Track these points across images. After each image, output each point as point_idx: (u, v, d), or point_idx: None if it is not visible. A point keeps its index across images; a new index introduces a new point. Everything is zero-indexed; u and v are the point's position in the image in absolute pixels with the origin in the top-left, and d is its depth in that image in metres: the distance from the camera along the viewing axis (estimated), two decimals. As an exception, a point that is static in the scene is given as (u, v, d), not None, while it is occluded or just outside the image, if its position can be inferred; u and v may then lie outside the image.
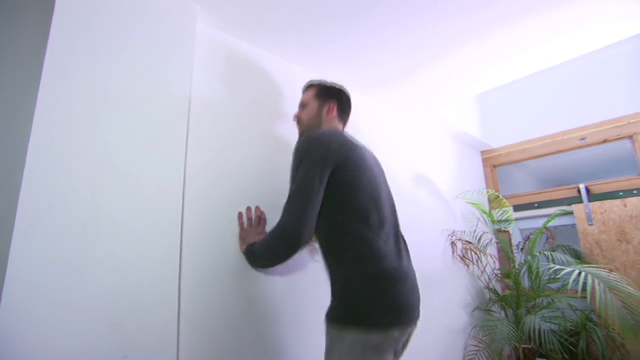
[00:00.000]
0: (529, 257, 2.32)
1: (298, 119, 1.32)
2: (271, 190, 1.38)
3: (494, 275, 2.58)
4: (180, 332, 1.01)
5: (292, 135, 1.50)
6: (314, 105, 1.28)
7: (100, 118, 0.97)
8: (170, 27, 1.17)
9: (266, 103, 1.48)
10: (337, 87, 1.32)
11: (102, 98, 0.98)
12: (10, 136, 0.96)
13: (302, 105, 1.31)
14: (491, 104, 3.02)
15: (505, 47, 1.78)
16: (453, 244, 2.40)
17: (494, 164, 3.06)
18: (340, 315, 0.94)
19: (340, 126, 1.30)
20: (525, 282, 2.40)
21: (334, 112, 1.27)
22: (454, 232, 2.43)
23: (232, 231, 1.23)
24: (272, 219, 1.30)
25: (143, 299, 0.93)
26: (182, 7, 1.21)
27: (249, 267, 1.22)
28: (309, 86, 1.34)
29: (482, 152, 3.11)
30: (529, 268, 2.33)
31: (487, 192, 2.75)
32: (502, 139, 2.97)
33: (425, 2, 1.34)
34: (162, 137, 1.07)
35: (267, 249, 1.07)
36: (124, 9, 1.08)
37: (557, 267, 1.98)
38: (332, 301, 0.99)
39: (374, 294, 0.93)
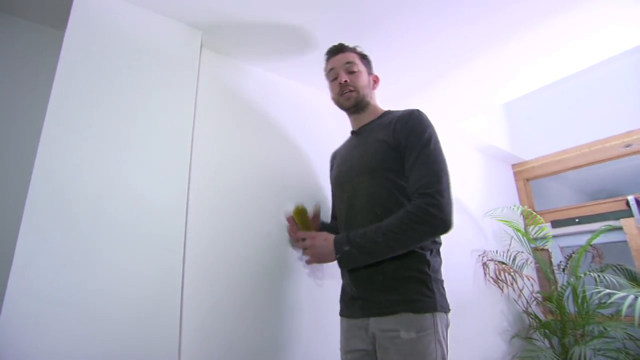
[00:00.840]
0: (572, 279, 2.09)
1: (350, 85, 1.09)
2: (276, 209, 1.33)
3: (532, 298, 2.35)
4: (182, 339, 1.00)
5: (293, 155, 1.46)
6: (365, 71, 1.13)
7: (105, 137, 0.97)
8: (175, 53, 1.18)
9: (270, 123, 1.46)
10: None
11: (107, 119, 0.99)
12: (18, 151, 0.99)
13: (350, 70, 1.10)
14: (519, 114, 2.85)
15: (531, 51, 1.67)
16: (485, 265, 2.22)
17: (527, 178, 2.85)
18: (435, 302, 0.90)
19: None
20: (570, 307, 2.16)
21: (377, 87, 1.17)
22: (485, 252, 2.25)
23: (235, 240, 1.20)
24: (274, 231, 1.25)
25: (146, 306, 0.93)
26: (187, 35, 1.23)
27: (252, 274, 1.18)
28: (344, 48, 1.13)
29: (513, 166, 2.92)
30: (574, 291, 2.09)
31: (520, 208, 2.55)
32: (534, 151, 2.77)
33: (437, 8, 1.28)
34: (166, 154, 1.07)
35: (405, 235, 0.87)
36: (130, 36, 1.10)
37: (608, 290, 1.76)
38: (415, 286, 0.90)
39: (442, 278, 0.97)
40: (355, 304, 0.98)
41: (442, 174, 0.91)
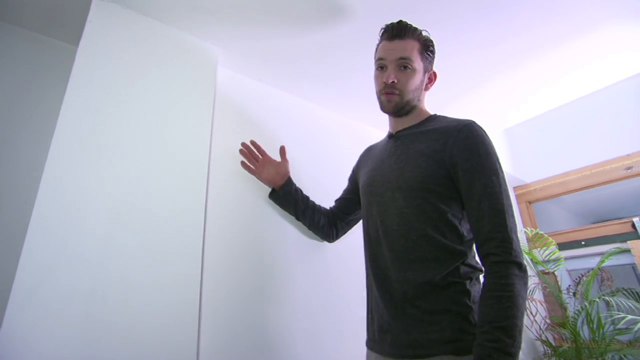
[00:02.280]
0: (585, 304, 2.04)
1: (395, 87, 0.91)
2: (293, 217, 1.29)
3: (545, 325, 2.28)
4: (200, 348, 0.93)
5: (308, 169, 1.41)
6: (420, 70, 0.93)
7: (119, 157, 0.91)
8: (192, 69, 1.15)
9: (285, 140, 1.43)
10: (433, 41, 0.96)
11: (123, 139, 0.94)
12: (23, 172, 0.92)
13: (403, 65, 0.90)
14: (519, 137, 2.89)
15: (534, 79, 1.71)
16: (495, 289, 2.15)
17: (529, 200, 2.85)
18: (468, 343, 0.74)
19: None
20: (585, 333, 2.09)
21: (432, 85, 0.99)
22: (495, 276, 2.19)
23: (254, 248, 1.14)
24: (292, 239, 1.18)
25: (163, 316, 0.86)
26: (204, 51, 1.20)
27: (271, 282, 1.15)
28: (405, 33, 0.91)
29: (515, 188, 2.93)
30: (587, 316, 2.04)
31: (526, 230, 2.53)
32: (535, 173, 2.79)
33: (440, 37, 1.29)
34: (184, 165, 1.02)
35: (521, 302, 0.72)
36: (146, 50, 1.07)
37: (621, 315, 1.71)
38: (455, 322, 0.76)
39: None
40: (385, 338, 0.85)
41: (508, 215, 0.77)
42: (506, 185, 0.81)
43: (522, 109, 2.10)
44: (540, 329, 2.23)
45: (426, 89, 0.97)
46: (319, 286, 1.28)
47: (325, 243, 1.34)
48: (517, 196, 2.90)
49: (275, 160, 1.24)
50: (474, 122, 0.86)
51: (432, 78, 0.98)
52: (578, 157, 2.56)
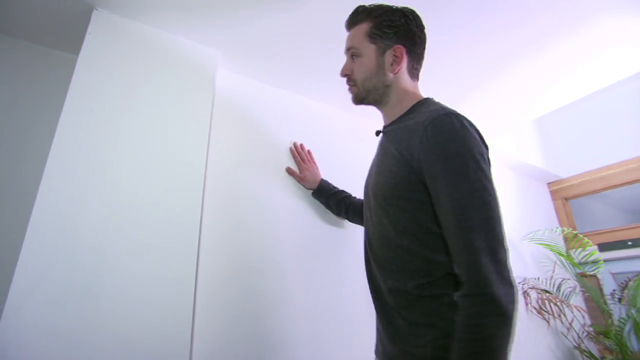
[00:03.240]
0: (632, 311, 1.84)
1: (350, 79, 0.88)
2: (290, 217, 1.26)
3: (584, 333, 2.08)
4: (194, 345, 0.92)
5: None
6: (371, 52, 0.83)
7: (117, 161, 0.93)
8: (191, 73, 1.15)
9: (285, 140, 1.41)
10: (398, 11, 0.82)
11: (121, 140, 0.96)
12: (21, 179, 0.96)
13: (351, 55, 0.86)
14: (552, 129, 2.67)
15: (565, 62, 1.56)
16: (525, 293, 2.00)
17: (566, 197, 2.63)
18: None
19: (418, 86, 0.88)
20: (634, 344, 1.88)
21: (403, 63, 0.82)
22: (525, 279, 2.04)
23: (249, 248, 1.10)
24: (288, 239, 1.15)
25: (157, 312, 0.87)
26: (204, 55, 1.21)
27: (266, 280, 1.13)
28: (350, 23, 0.87)
29: (549, 184, 2.72)
30: (635, 325, 1.84)
31: (561, 230, 2.33)
32: (572, 168, 2.57)
33: (461, 21, 1.21)
34: (181, 167, 1.02)
35: (497, 344, 0.59)
36: (145, 57, 1.09)
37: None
38: (437, 339, 0.67)
39: None
40: (380, 347, 0.81)
41: (482, 231, 0.62)
42: (485, 192, 0.65)
43: (551, 97, 1.93)
44: (579, 337, 2.04)
45: (394, 70, 0.82)
46: (318, 290, 1.24)
47: (324, 245, 1.32)
48: (551, 192, 2.68)
49: (312, 165, 1.36)
50: (444, 115, 0.69)
51: (398, 55, 0.81)
52: (620, 148, 2.33)
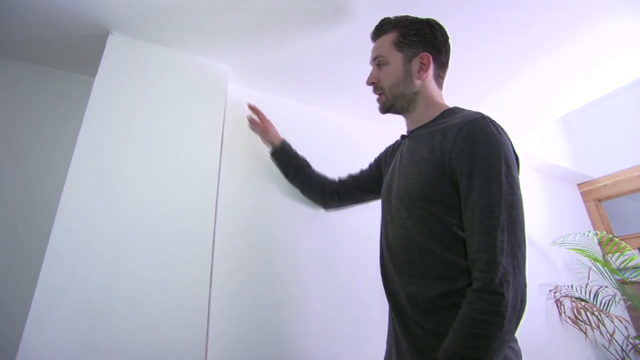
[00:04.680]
0: (680, 321, 1.68)
1: (377, 88, 0.89)
2: (304, 226, 1.26)
3: (629, 345, 1.93)
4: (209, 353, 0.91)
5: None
6: (398, 61, 0.85)
7: (133, 177, 0.96)
8: (202, 90, 1.18)
9: (304, 152, 1.41)
10: (424, 21, 0.86)
11: (137, 156, 0.99)
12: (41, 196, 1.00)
13: (378, 63, 0.88)
14: (579, 128, 2.54)
15: (589, 57, 1.48)
16: (558, 302, 1.88)
17: (599, 198, 2.48)
18: None
19: (443, 96, 0.89)
20: (683, 358, 1.72)
21: (430, 70, 0.84)
22: (557, 287, 1.92)
23: (262, 255, 1.10)
24: (300, 247, 1.13)
25: (173, 319, 0.88)
26: (215, 71, 1.23)
27: (279, 288, 1.13)
28: (376, 34, 0.90)
29: (580, 185, 2.57)
30: (685, 336, 1.68)
31: (595, 233, 2.19)
32: (603, 167, 2.43)
33: (478, 16, 1.17)
34: (191, 191, 1.03)
35: (496, 345, 0.59)
36: (159, 76, 1.12)
37: None
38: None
39: None
40: (395, 354, 0.78)
41: (505, 232, 0.63)
42: (514, 196, 0.66)
43: (576, 94, 1.83)
44: (623, 350, 1.89)
45: (421, 77, 0.84)
46: (334, 294, 1.22)
47: (342, 253, 1.29)
48: (582, 194, 2.54)
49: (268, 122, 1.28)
50: (480, 118, 0.71)
51: (425, 62, 0.84)
52: (657, 144, 2.17)
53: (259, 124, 1.25)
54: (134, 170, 0.97)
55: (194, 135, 1.10)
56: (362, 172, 1.18)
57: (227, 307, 1.03)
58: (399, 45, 0.85)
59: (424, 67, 0.84)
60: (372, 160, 1.15)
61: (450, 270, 0.69)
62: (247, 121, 1.30)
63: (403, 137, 0.94)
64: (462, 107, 0.84)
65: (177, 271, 0.92)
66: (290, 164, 1.21)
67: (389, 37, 0.87)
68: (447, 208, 0.71)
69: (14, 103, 1.15)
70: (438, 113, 0.84)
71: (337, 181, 1.21)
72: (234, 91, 1.34)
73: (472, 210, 0.66)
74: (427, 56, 0.84)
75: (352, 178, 1.19)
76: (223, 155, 1.17)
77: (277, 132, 1.26)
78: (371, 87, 0.92)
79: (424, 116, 0.85)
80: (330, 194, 1.20)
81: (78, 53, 1.15)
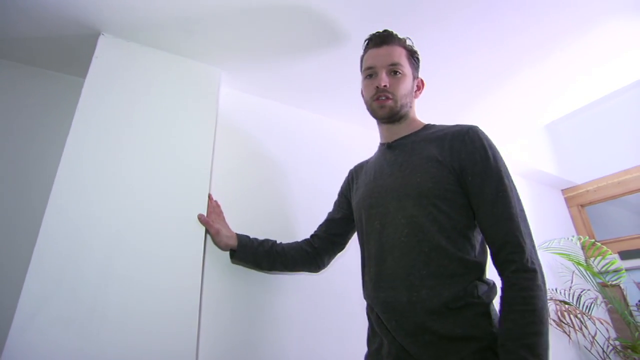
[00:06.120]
0: (658, 323, 1.74)
1: (388, 91, 0.88)
2: (293, 234, 1.23)
3: (609, 347, 1.98)
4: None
5: (313, 186, 1.38)
6: (410, 75, 0.91)
7: (123, 179, 0.95)
8: (194, 92, 1.18)
9: (289, 155, 1.41)
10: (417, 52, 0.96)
11: (127, 157, 0.98)
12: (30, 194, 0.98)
13: (393, 70, 0.88)
14: (564, 135, 2.62)
15: (574, 66, 1.52)
16: (544, 305, 1.92)
17: (581, 203, 2.55)
18: None
19: None
20: (662, 359, 1.78)
21: (419, 93, 0.97)
22: (542, 290, 1.96)
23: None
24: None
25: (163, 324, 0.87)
26: (206, 74, 1.23)
27: (271, 294, 1.14)
28: (391, 39, 0.91)
29: (564, 191, 2.64)
30: (663, 338, 1.74)
31: (578, 238, 2.25)
32: (586, 173, 2.50)
33: (464, 26, 1.20)
34: (183, 194, 1.02)
35: (545, 315, 0.66)
36: (150, 78, 1.11)
37: None
38: (476, 354, 0.67)
39: None
40: None
41: (521, 219, 0.73)
42: (516, 190, 0.78)
43: (562, 101, 1.88)
44: (604, 351, 1.94)
45: (416, 96, 0.96)
46: (326, 298, 1.23)
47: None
48: (566, 199, 2.61)
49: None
50: (477, 127, 0.84)
51: (419, 85, 0.97)
52: (637, 151, 2.25)
53: (213, 226, 1.01)
54: (123, 172, 0.96)
55: (185, 138, 1.09)
56: (332, 215, 1.11)
57: (218, 311, 1.02)
58: (410, 61, 0.93)
59: (419, 89, 0.96)
60: (336, 198, 1.12)
61: (461, 267, 0.73)
62: (239, 127, 1.30)
63: (388, 145, 0.94)
64: (448, 115, 0.92)
65: (168, 275, 0.91)
66: (259, 255, 1.04)
67: (403, 52, 0.92)
68: (454, 205, 0.77)
69: (2, 103, 1.12)
70: (420, 127, 0.94)
71: (311, 240, 1.10)
72: (225, 95, 1.34)
73: (491, 203, 0.74)
74: (422, 81, 0.98)
75: (325, 227, 1.10)
76: (215, 158, 1.17)
77: (229, 229, 1.06)
78: (365, 92, 0.95)
79: (409, 128, 0.94)
80: (314, 256, 1.08)
81: (68, 53, 1.14)
